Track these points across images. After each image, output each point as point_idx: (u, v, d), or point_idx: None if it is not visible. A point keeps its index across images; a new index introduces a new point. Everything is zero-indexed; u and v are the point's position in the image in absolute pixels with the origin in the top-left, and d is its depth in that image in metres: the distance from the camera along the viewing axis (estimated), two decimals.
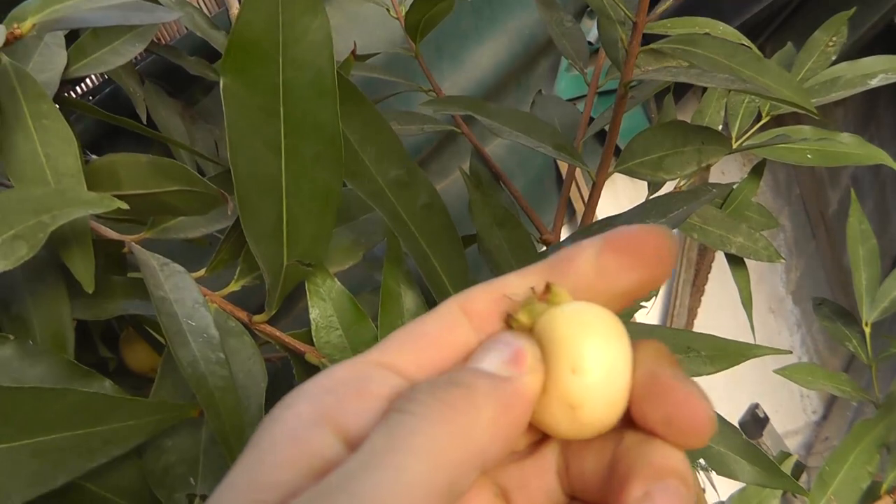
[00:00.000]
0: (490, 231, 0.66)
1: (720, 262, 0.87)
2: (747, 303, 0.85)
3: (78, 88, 1.02)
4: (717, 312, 1.74)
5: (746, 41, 0.73)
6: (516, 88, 1.34)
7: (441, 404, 0.20)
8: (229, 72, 0.39)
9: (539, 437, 0.24)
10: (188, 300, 0.42)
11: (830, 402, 2.46)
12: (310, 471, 0.19)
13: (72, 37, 0.58)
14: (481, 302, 0.24)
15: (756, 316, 0.86)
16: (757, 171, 0.89)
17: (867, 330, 0.89)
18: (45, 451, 0.34)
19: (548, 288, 0.23)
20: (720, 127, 0.86)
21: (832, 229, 2.46)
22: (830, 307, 0.95)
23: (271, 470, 0.19)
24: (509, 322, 0.23)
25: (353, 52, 0.53)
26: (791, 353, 0.53)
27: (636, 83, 0.77)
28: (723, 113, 0.87)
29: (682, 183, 0.88)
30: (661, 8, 0.65)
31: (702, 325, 1.78)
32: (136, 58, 0.95)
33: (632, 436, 0.22)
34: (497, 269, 0.65)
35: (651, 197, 0.75)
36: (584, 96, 0.84)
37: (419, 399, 0.20)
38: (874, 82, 0.77)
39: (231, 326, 0.45)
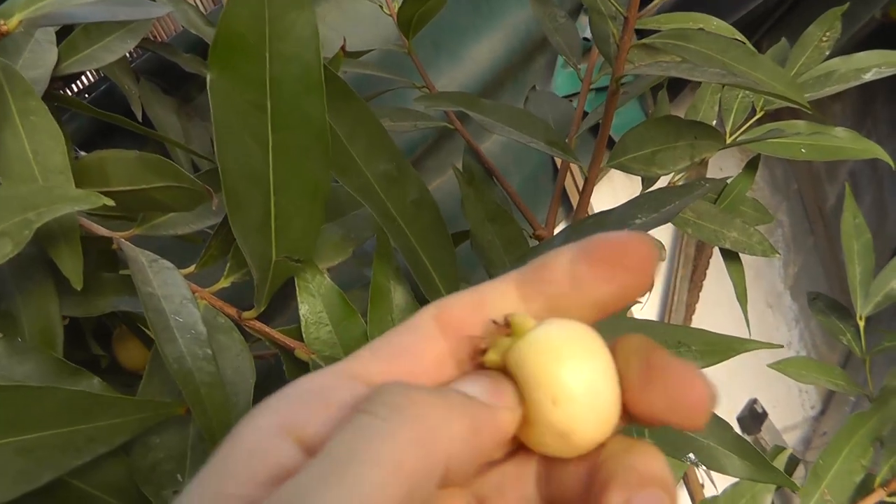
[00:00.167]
0: (482, 227, 0.66)
1: (718, 258, 0.87)
2: (742, 298, 0.85)
3: (74, 86, 1.02)
4: (715, 308, 1.74)
5: (740, 36, 0.72)
6: (513, 85, 1.34)
7: (412, 407, 0.19)
8: (216, 67, 0.38)
9: (518, 443, 0.23)
10: (176, 296, 0.42)
11: (828, 397, 2.46)
12: (270, 482, 0.19)
13: (64, 34, 0.58)
14: (456, 312, 0.23)
15: (754, 311, 0.86)
16: (751, 166, 0.89)
17: (861, 324, 0.89)
18: (31, 449, 0.34)
19: (506, 321, 0.22)
20: (714, 122, 0.86)
21: (830, 224, 2.46)
22: (825, 301, 0.95)
23: (230, 483, 0.19)
24: (480, 362, 0.23)
25: (342, 48, 0.53)
26: (783, 347, 0.53)
27: (632, 78, 0.77)
28: (717, 108, 0.87)
29: (677, 178, 0.88)
30: (654, 4, 0.65)
31: (700, 320, 1.78)
32: (131, 55, 0.96)
33: (614, 443, 0.22)
34: (490, 265, 0.65)
35: (644, 192, 0.75)
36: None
37: (388, 400, 0.20)
38: (868, 76, 0.77)
39: (220, 323, 0.45)
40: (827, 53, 0.83)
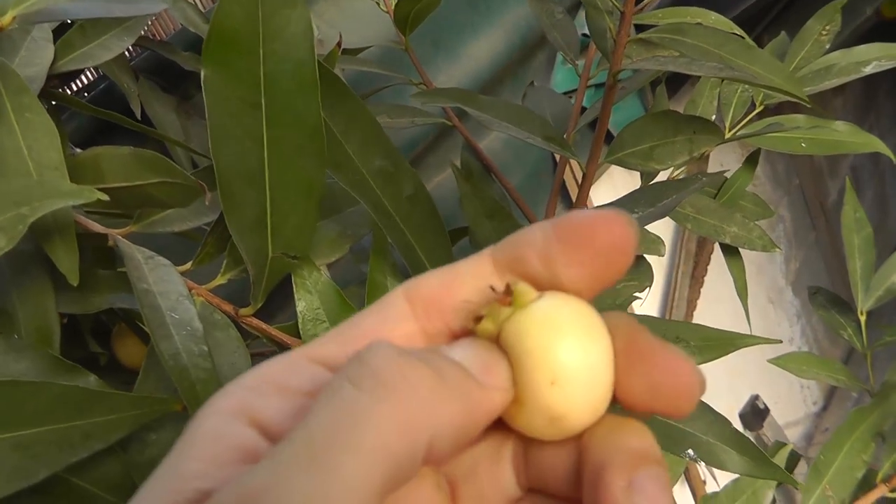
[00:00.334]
0: (480, 223, 0.65)
1: (719, 254, 0.87)
2: (742, 293, 0.85)
3: (73, 85, 1.02)
4: (717, 304, 1.74)
5: (738, 31, 0.72)
6: (513, 81, 1.34)
7: (400, 382, 0.19)
8: (210, 64, 0.38)
9: (494, 423, 0.22)
10: (172, 293, 0.42)
11: (830, 393, 2.46)
12: (231, 463, 0.19)
13: (61, 32, 0.58)
14: (428, 291, 0.22)
15: (756, 307, 0.86)
16: (751, 160, 0.89)
17: (862, 318, 0.88)
18: (26, 445, 0.34)
19: (508, 290, 0.21)
20: (713, 117, 0.86)
21: (831, 219, 2.46)
22: (826, 296, 0.95)
23: (192, 465, 0.19)
24: (474, 328, 0.21)
25: (338, 45, 0.53)
26: (782, 342, 0.53)
27: (630, 74, 0.77)
28: (716, 103, 0.86)
29: (676, 173, 0.88)
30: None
31: (701, 316, 1.78)
32: (130, 54, 0.96)
33: (600, 423, 0.21)
34: None
35: (641, 187, 0.75)
36: None
37: (375, 371, 0.19)
38: (868, 70, 0.77)
39: (216, 319, 0.44)
40: (827, 47, 0.83)
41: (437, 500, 0.22)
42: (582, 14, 1.31)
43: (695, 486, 1.51)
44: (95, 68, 0.88)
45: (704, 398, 0.52)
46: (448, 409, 0.19)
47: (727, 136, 0.81)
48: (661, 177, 0.85)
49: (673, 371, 0.20)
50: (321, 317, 0.47)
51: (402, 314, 0.22)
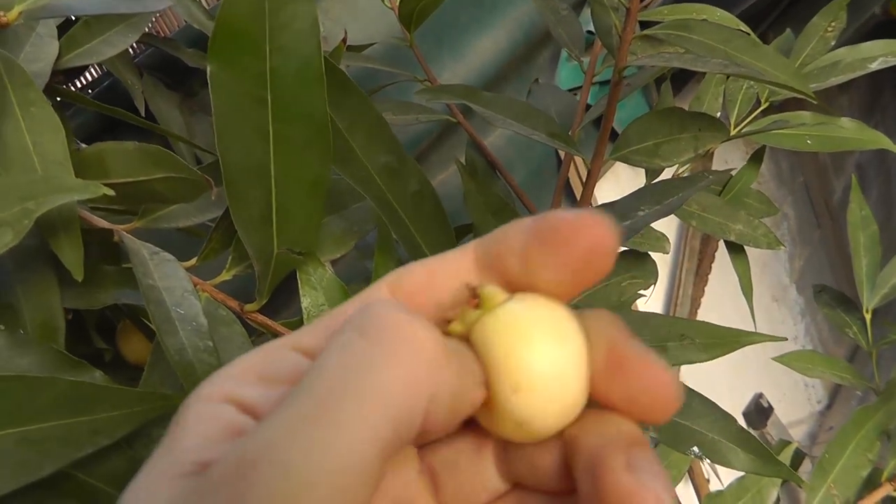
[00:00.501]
0: (485, 220, 0.65)
1: (724, 251, 0.87)
2: (747, 290, 0.85)
3: (78, 82, 1.03)
4: (721, 301, 1.74)
5: (744, 27, 0.72)
6: (517, 78, 1.34)
7: (410, 336, 0.18)
8: (216, 59, 0.38)
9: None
10: (177, 289, 0.42)
11: (835, 392, 2.45)
12: (225, 440, 0.19)
13: (65, 28, 0.58)
14: (411, 284, 0.22)
15: (760, 305, 0.86)
16: (756, 157, 0.89)
17: (867, 317, 0.88)
18: (32, 440, 0.34)
19: (474, 293, 0.21)
20: (718, 114, 0.86)
21: (836, 217, 2.45)
22: (831, 294, 0.94)
23: (187, 443, 0.19)
24: (444, 331, 0.21)
25: (343, 41, 0.53)
26: (787, 339, 0.52)
27: (635, 70, 0.77)
28: (721, 100, 0.86)
29: (681, 170, 0.88)
30: None
31: (705, 314, 1.78)
32: (134, 51, 0.96)
33: (585, 417, 0.21)
34: None
35: (647, 184, 0.75)
36: None
37: (384, 322, 0.19)
38: (874, 66, 0.77)
39: (222, 315, 0.44)
40: (832, 44, 0.82)
41: (419, 486, 0.22)
42: (587, 11, 1.31)
43: (698, 484, 1.51)
44: (99, 65, 0.88)
45: (708, 395, 0.52)
46: (448, 376, 0.19)
47: (732, 133, 0.81)
48: (666, 174, 0.85)
49: (651, 382, 0.20)
50: (326, 313, 0.47)
51: None
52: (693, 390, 0.50)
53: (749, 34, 0.66)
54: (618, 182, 1.53)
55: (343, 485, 0.17)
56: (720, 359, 0.56)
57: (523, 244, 0.21)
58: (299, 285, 0.46)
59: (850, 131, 0.80)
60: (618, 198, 0.63)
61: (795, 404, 2.27)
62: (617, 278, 0.74)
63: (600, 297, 0.74)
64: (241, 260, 0.46)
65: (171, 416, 0.39)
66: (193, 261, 0.47)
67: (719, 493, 0.75)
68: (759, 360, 1.05)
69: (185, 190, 0.44)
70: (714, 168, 1.52)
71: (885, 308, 0.88)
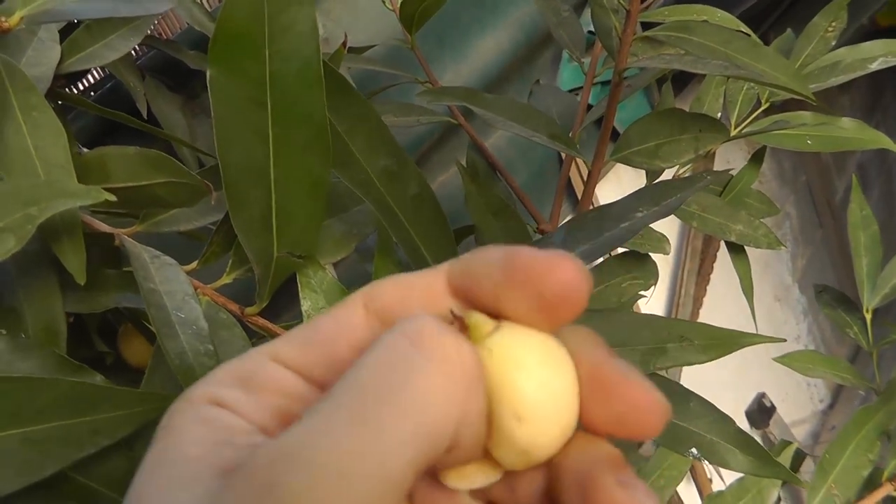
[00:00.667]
0: (486, 221, 0.65)
1: (726, 251, 0.87)
2: (748, 291, 0.85)
3: (80, 85, 1.03)
4: (724, 301, 1.74)
5: (745, 28, 0.72)
6: (519, 79, 1.34)
7: (454, 352, 0.19)
8: (216, 63, 0.39)
9: None
10: (178, 292, 0.42)
11: (837, 391, 2.45)
12: (225, 443, 0.19)
13: (67, 32, 0.58)
14: (382, 301, 0.22)
15: (762, 305, 0.86)
16: (757, 158, 0.89)
17: (868, 316, 0.88)
18: (34, 441, 0.34)
19: (462, 323, 0.20)
20: (719, 114, 0.86)
21: (839, 217, 2.45)
22: (831, 294, 0.94)
23: (192, 449, 0.19)
24: None
25: (343, 44, 0.53)
26: (786, 340, 0.53)
27: (636, 71, 0.77)
28: (721, 100, 0.86)
29: (682, 171, 0.88)
30: None
31: (707, 313, 1.78)
32: (136, 53, 0.96)
33: (572, 441, 0.21)
34: None
35: (646, 185, 0.75)
36: None
37: (431, 333, 0.19)
38: (874, 66, 0.77)
39: (222, 318, 0.45)
40: (833, 44, 0.83)
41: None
42: (588, 12, 1.31)
43: (701, 484, 1.51)
44: (102, 67, 0.88)
45: (711, 396, 0.52)
46: (480, 397, 0.19)
47: (733, 133, 0.81)
48: (667, 175, 0.85)
49: (635, 401, 0.20)
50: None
51: (357, 320, 0.22)
52: (691, 391, 0.50)
53: (749, 35, 0.66)
54: (619, 183, 1.54)
55: (373, 491, 0.17)
56: (723, 359, 0.56)
57: (494, 279, 0.21)
58: (299, 288, 0.47)
59: (851, 131, 0.80)
60: (618, 198, 0.63)
61: (798, 404, 2.27)
62: (617, 279, 0.75)
63: (601, 298, 0.74)
64: (242, 263, 0.46)
65: None
66: (194, 264, 0.47)
67: (720, 493, 0.75)
68: (762, 359, 1.05)
69: (186, 194, 0.44)
70: (716, 168, 1.52)
71: (885, 308, 0.88)
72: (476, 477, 0.21)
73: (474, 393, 0.19)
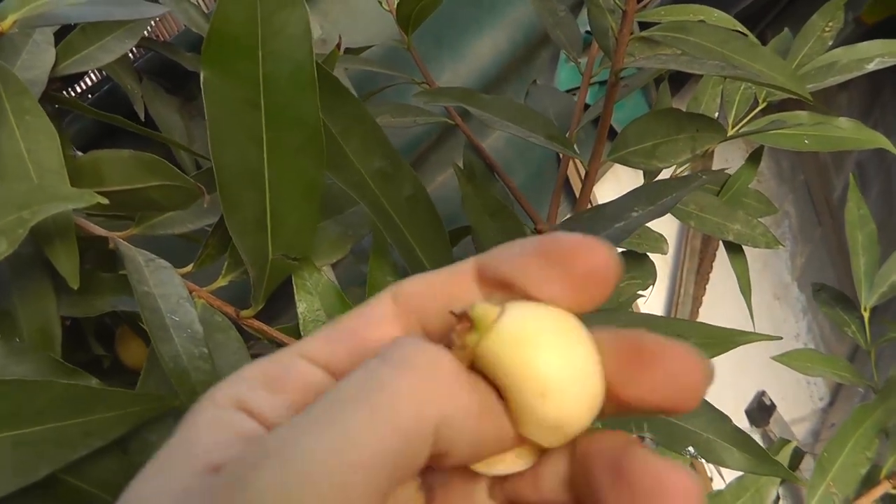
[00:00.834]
0: (483, 222, 0.65)
1: (725, 250, 0.87)
2: (746, 290, 0.85)
3: (77, 87, 1.03)
4: (723, 300, 1.74)
5: (741, 28, 0.72)
6: (517, 80, 1.34)
7: (424, 360, 0.19)
8: (209, 65, 0.39)
9: None
10: (173, 295, 0.42)
11: (837, 389, 2.45)
12: (236, 445, 0.19)
13: (62, 35, 0.58)
14: (411, 295, 0.22)
15: (761, 303, 0.86)
16: (754, 157, 0.89)
17: (866, 315, 0.88)
18: (27, 443, 0.34)
19: (465, 317, 0.20)
20: (716, 114, 0.86)
21: (837, 216, 2.45)
22: (830, 293, 0.94)
23: (199, 448, 0.19)
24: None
25: (338, 45, 0.53)
26: (782, 338, 0.53)
27: (633, 71, 0.77)
28: (719, 100, 0.86)
29: (680, 170, 0.88)
30: None
31: (707, 313, 1.78)
32: (133, 55, 0.96)
33: (594, 434, 0.21)
34: None
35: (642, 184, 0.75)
36: None
37: (404, 349, 0.20)
38: (871, 66, 0.77)
39: (217, 321, 0.45)
40: (830, 44, 0.82)
41: (417, 502, 0.22)
42: (584, 12, 1.31)
43: (701, 483, 1.51)
44: (99, 69, 0.88)
45: (710, 395, 0.52)
46: (467, 401, 0.20)
47: (730, 133, 0.81)
48: (665, 175, 0.85)
49: (678, 366, 0.20)
50: (322, 318, 0.47)
51: (386, 316, 0.22)
52: None
53: (746, 35, 0.66)
54: (618, 182, 1.54)
55: (343, 484, 0.17)
56: (723, 358, 0.56)
57: (526, 260, 0.21)
58: (295, 291, 0.46)
59: (848, 131, 0.80)
60: (614, 199, 0.63)
61: (798, 402, 2.27)
62: None
63: None
64: (237, 266, 0.46)
65: (165, 419, 0.39)
66: (189, 267, 0.47)
67: (719, 492, 0.75)
68: (761, 358, 1.05)
69: (180, 197, 0.44)
70: (714, 168, 1.52)
71: (883, 306, 0.88)
72: (501, 464, 0.21)
73: (450, 392, 0.19)
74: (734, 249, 0.85)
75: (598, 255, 0.20)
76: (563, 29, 0.80)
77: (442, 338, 0.21)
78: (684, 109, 0.82)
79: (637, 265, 0.82)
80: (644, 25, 0.65)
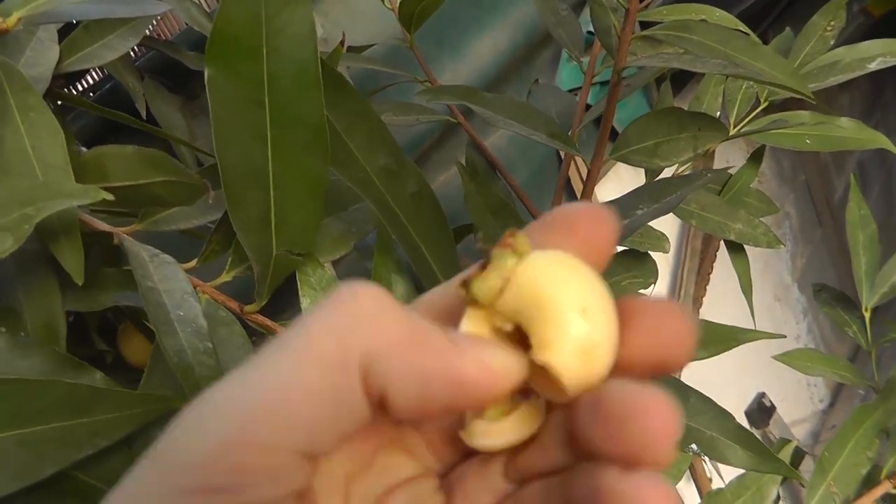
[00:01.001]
0: (485, 220, 0.66)
1: (725, 250, 0.87)
2: (747, 289, 0.85)
3: (80, 85, 1.03)
4: (723, 300, 1.74)
5: (743, 27, 0.72)
6: (518, 79, 1.34)
7: (349, 297, 0.20)
8: (213, 63, 0.39)
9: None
10: (177, 290, 0.42)
11: (837, 391, 2.45)
12: None
13: (66, 32, 0.58)
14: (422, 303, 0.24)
15: (762, 304, 0.86)
16: (756, 157, 0.89)
17: (867, 315, 0.88)
18: (32, 442, 0.34)
19: (510, 237, 0.21)
20: (718, 113, 0.86)
21: (838, 216, 2.45)
22: (830, 293, 0.94)
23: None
24: (466, 298, 0.21)
25: (341, 43, 0.53)
26: (785, 336, 0.53)
27: (635, 70, 0.77)
28: (720, 99, 0.86)
29: (681, 169, 0.88)
30: None
31: (707, 313, 1.78)
32: (135, 54, 0.96)
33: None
34: None
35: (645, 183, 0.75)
36: None
37: (335, 293, 0.20)
38: (872, 66, 0.77)
39: (221, 316, 0.45)
40: (832, 43, 0.83)
41: (435, 499, 0.23)
42: (587, 11, 1.31)
43: (700, 483, 1.50)
44: (101, 68, 0.88)
45: (711, 395, 0.52)
46: (393, 331, 0.20)
47: (731, 132, 0.81)
48: (667, 174, 0.85)
49: (670, 322, 0.21)
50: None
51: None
52: (691, 387, 0.50)
53: (748, 34, 0.66)
54: (620, 182, 1.54)
55: (254, 416, 0.19)
56: (723, 358, 0.56)
57: (531, 228, 0.22)
58: (299, 286, 0.47)
59: (849, 131, 0.80)
60: (616, 197, 0.63)
61: (798, 403, 2.27)
62: (617, 277, 0.75)
63: None
64: (241, 261, 0.47)
65: (170, 418, 0.39)
66: (193, 262, 0.47)
67: (720, 490, 0.75)
68: (762, 359, 1.05)
69: (184, 193, 0.44)
70: (715, 168, 1.52)
71: (884, 307, 0.88)
72: (500, 435, 0.21)
73: (381, 325, 0.20)
74: (735, 249, 0.85)
75: (596, 221, 0.22)
76: (566, 28, 0.80)
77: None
78: (686, 109, 0.82)
79: (638, 263, 0.82)
80: (646, 25, 0.65)
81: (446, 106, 0.82)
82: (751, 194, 0.89)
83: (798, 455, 0.82)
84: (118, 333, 0.61)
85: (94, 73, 1.05)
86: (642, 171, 0.76)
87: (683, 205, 0.81)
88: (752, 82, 0.85)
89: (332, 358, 0.19)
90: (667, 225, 0.73)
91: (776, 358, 0.87)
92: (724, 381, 1.85)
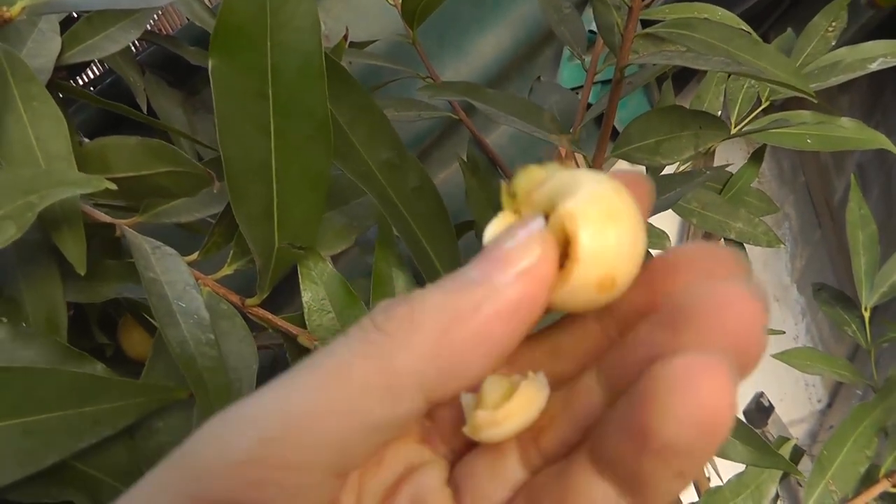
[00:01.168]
0: (487, 216, 0.65)
1: None
2: None
3: (80, 79, 1.03)
4: None
5: (745, 26, 0.72)
6: (519, 77, 1.34)
7: (381, 324, 0.20)
8: (217, 54, 0.39)
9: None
10: (179, 282, 0.42)
11: (835, 391, 2.45)
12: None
13: (68, 24, 0.58)
14: None
15: None
16: (757, 156, 0.89)
17: (866, 315, 0.88)
18: (35, 431, 0.34)
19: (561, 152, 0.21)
20: (719, 112, 0.86)
21: (837, 217, 2.45)
22: (830, 292, 0.95)
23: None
24: (507, 201, 0.21)
25: (344, 37, 0.53)
26: (784, 332, 0.53)
27: (636, 69, 0.77)
28: (722, 98, 0.86)
29: (682, 168, 0.88)
30: None
31: None
32: (136, 49, 0.96)
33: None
34: None
35: None
36: None
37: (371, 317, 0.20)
38: (873, 66, 0.77)
39: (223, 309, 0.45)
40: (833, 43, 0.83)
41: (442, 494, 0.22)
42: (589, 10, 1.31)
43: (699, 481, 1.50)
44: (102, 62, 0.88)
45: None
46: (422, 336, 0.19)
47: (733, 131, 0.81)
48: (667, 172, 0.85)
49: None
50: (326, 307, 0.47)
51: None
52: None
53: (750, 33, 0.66)
54: None
55: (284, 432, 0.18)
56: None
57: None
58: (300, 280, 0.47)
59: (850, 131, 0.80)
60: None
61: (796, 403, 2.27)
62: None
63: None
64: (243, 254, 0.47)
65: (172, 408, 0.40)
66: (195, 255, 0.47)
67: (718, 488, 0.75)
68: (761, 359, 1.06)
69: (187, 184, 0.45)
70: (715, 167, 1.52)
71: (884, 306, 0.88)
72: (508, 421, 0.20)
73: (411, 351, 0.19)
74: (735, 248, 0.85)
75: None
76: (568, 26, 0.80)
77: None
78: (687, 107, 0.82)
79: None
80: (648, 23, 0.65)
81: (448, 103, 0.82)
82: (751, 193, 0.89)
83: (796, 454, 0.82)
84: (118, 327, 0.61)
85: (95, 68, 1.05)
86: (642, 169, 0.76)
87: (684, 203, 0.81)
88: (753, 82, 0.85)
89: (375, 381, 0.18)
90: (667, 223, 0.73)
91: (775, 356, 0.87)
92: None
